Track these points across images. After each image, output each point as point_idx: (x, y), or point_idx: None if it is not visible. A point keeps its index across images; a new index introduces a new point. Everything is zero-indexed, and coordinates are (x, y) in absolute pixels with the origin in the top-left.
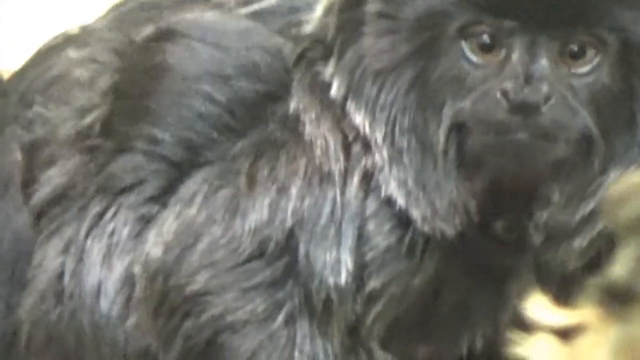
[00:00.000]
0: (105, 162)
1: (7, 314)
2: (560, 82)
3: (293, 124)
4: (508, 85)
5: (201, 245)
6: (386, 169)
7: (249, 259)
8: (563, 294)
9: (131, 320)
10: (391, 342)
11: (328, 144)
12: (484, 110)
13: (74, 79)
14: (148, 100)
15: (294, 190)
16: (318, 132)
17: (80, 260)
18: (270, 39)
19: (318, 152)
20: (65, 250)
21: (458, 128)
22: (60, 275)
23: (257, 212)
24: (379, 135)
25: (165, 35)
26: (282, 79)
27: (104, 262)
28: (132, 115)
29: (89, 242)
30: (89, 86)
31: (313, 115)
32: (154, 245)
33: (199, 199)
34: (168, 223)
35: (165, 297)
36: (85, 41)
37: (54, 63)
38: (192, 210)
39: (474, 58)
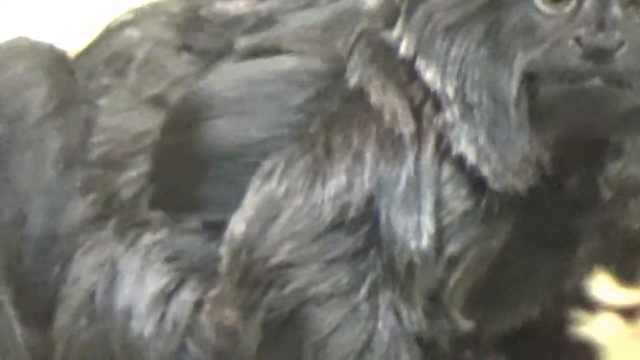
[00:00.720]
0: (156, 237)
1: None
2: (632, 30)
3: (358, 97)
4: (581, 31)
5: (283, 217)
6: (457, 126)
7: (330, 228)
8: (626, 263)
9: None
10: (472, 308)
11: (396, 108)
12: (557, 59)
13: (131, 57)
14: (201, 189)
15: (368, 155)
16: (385, 98)
17: (112, 279)
18: (284, 72)
19: (387, 117)
20: (100, 269)
21: (530, 79)
22: (93, 294)
23: (336, 178)
24: (450, 91)
25: (187, 122)
26: (317, 96)
27: (137, 282)
28: (185, 205)
29: (122, 261)
30: (143, 68)
31: (378, 83)
32: (236, 223)
33: (277, 172)
34: (249, 199)
35: (250, 269)
36: (152, 16)
37: (117, 38)
38: (272, 184)
39: (544, 8)
